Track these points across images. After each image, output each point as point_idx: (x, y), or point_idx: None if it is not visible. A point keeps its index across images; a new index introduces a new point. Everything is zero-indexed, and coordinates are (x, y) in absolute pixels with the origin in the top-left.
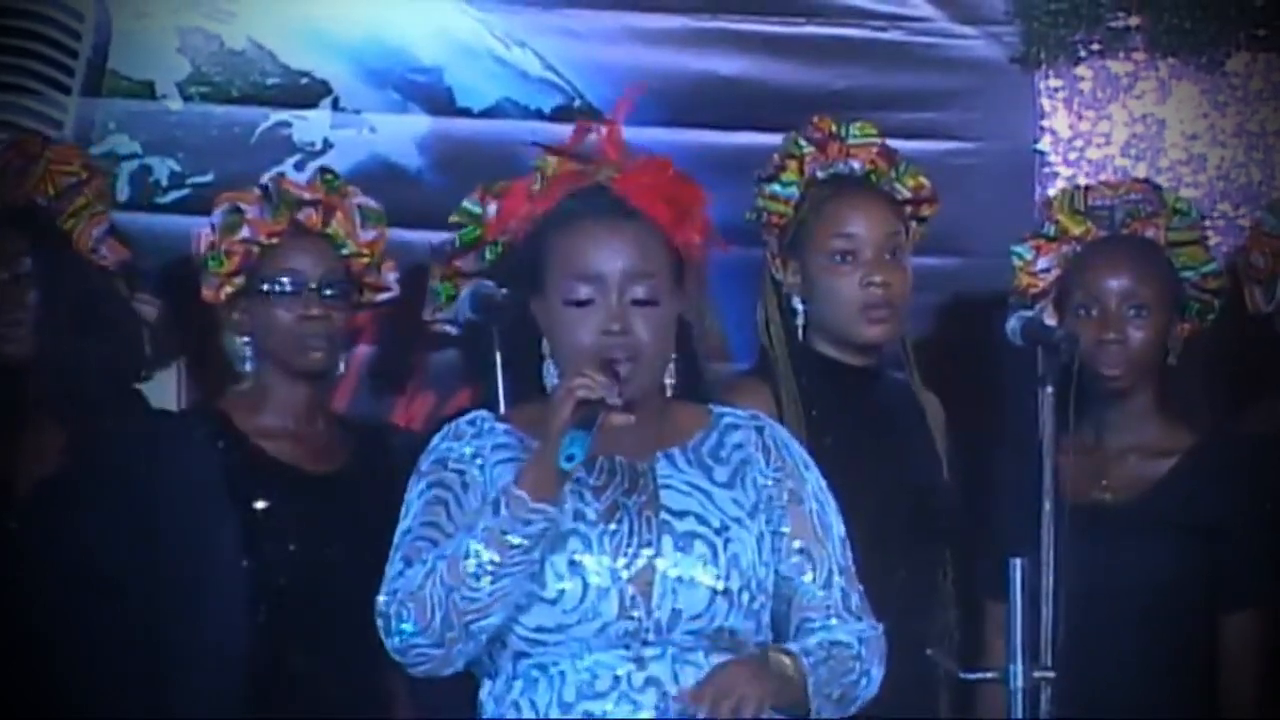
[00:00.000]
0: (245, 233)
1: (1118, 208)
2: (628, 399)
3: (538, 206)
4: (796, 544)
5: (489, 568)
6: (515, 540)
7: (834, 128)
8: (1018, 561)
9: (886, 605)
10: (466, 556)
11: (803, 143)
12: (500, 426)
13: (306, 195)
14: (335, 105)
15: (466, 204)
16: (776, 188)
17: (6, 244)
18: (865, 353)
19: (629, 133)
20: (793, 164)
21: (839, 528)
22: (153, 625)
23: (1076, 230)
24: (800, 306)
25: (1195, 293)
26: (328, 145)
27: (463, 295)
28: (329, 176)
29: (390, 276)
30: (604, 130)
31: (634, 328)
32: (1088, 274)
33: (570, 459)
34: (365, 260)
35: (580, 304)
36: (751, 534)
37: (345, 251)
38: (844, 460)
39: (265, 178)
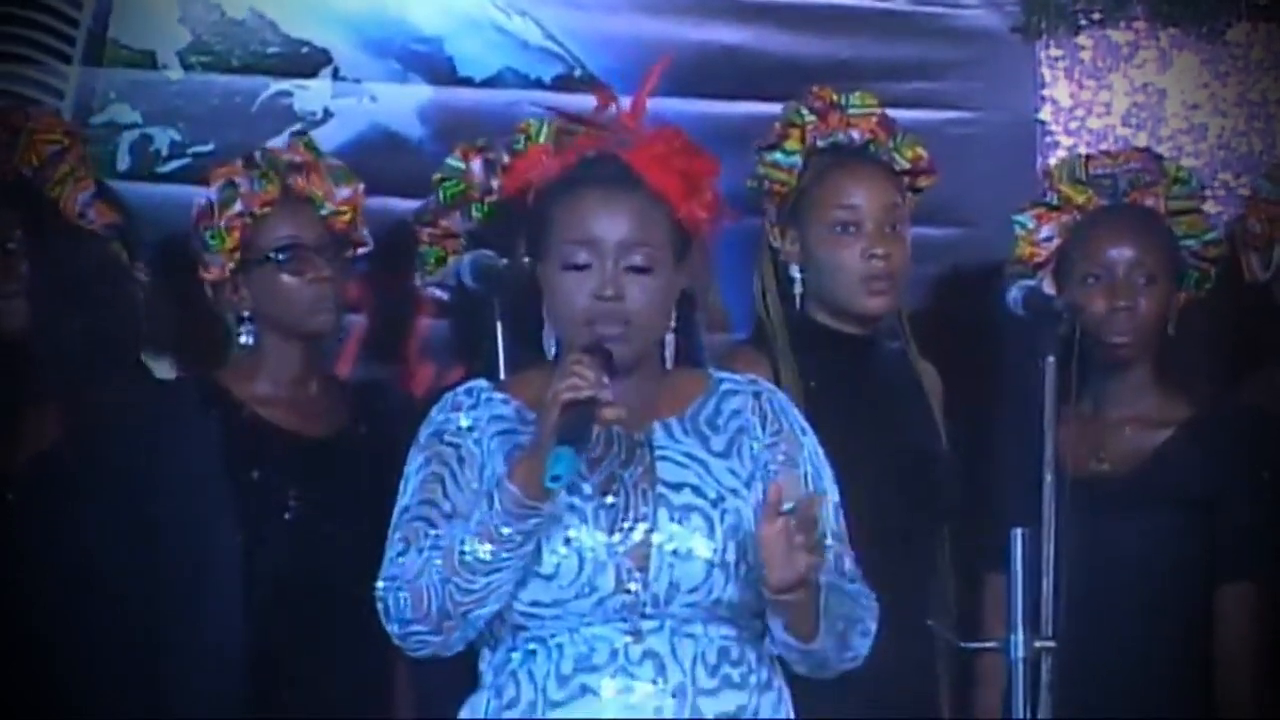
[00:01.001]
0: (239, 206)
1: (1119, 177)
2: (622, 367)
3: (549, 169)
4: (790, 507)
5: (485, 561)
6: (509, 533)
7: (834, 97)
8: (1019, 532)
9: (884, 575)
10: (462, 549)
11: (804, 111)
12: (498, 396)
13: (296, 159)
14: (336, 75)
15: (449, 160)
16: (779, 156)
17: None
18: (862, 323)
19: (629, 102)
20: (795, 133)
21: (834, 494)
22: (151, 594)
23: (1079, 199)
24: (797, 275)
25: (1195, 261)
26: (328, 115)
27: (463, 263)
28: (305, 140)
29: (364, 232)
30: (626, 101)
31: (628, 294)
32: (1091, 243)
33: (556, 479)
34: (345, 218)
35: (577, 268)
36: (748, 504)
37: (324, 212)
38: (841, 430)
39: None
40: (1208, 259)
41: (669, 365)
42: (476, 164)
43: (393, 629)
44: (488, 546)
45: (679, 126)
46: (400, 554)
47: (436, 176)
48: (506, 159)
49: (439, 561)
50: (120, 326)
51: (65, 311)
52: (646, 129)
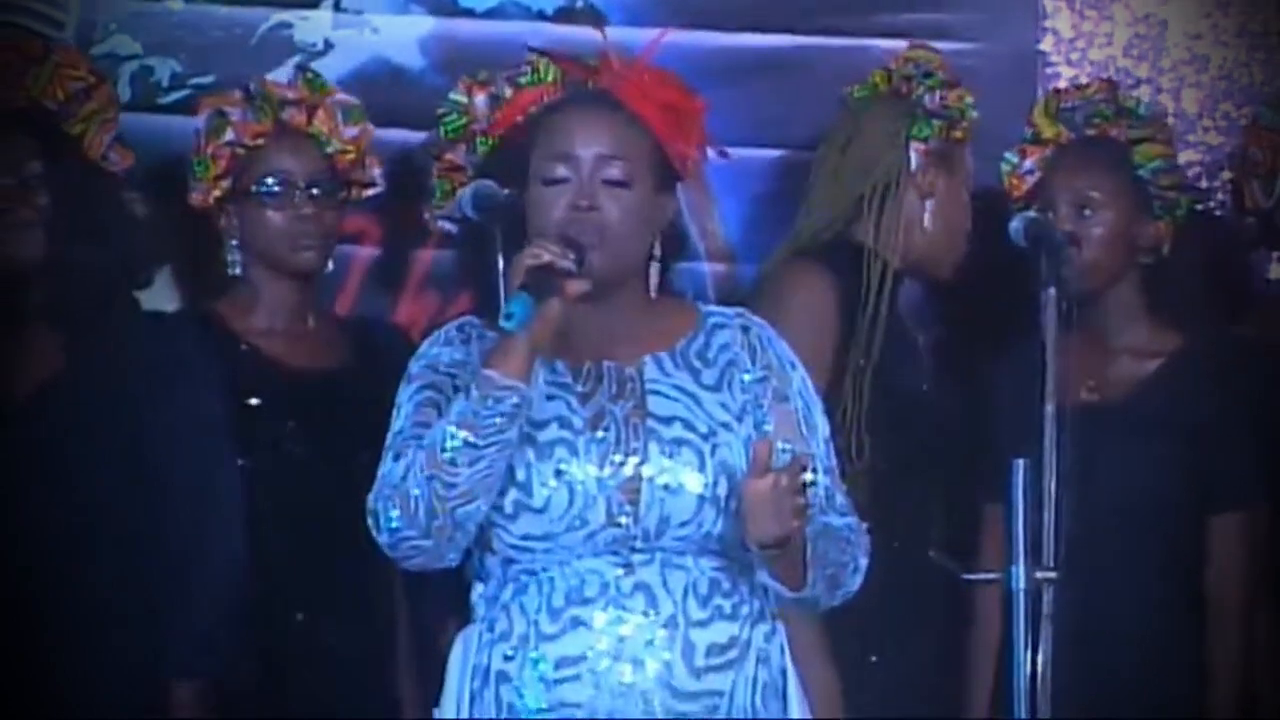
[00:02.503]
0: (230, 136)
1: (1079, 110)
2: (594, 278)
3: (536, 102)
4: (781, 441)
5: (466, 450)
6: (489, 420)
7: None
8: (1020, 462)
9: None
10: (443, 441)
11: None
12: (490, 333)
13: (290, 95)
14: (337, 6)
15: (452, 95)
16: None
17: (14, 147)
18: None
19: (637, 34)
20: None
21: (824, 428)
22: (150, 526)
23: (1049, 133)
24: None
25: (1155, 190)
26: (329, 46)
27: (464, 193)
28: (310, 75)
29: (376, 172)
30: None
31: (603, 205)
32: (1052, 178)
33: (509, 318)
34: (350, 157)
35: (555, 183)
36: (739, 438)
37: (329, 150)
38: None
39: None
40: (1165, 187)
41: (653, 295)
42: (480, 98)
43: (383, 539)
44: (466, 434)
45: (667, 68)
46: (390, 469)
47: (439, 111)
48: (509, 92)
49: (423, 458)
50: (126, 266)
51: (77, 247)
52: (632, 64)
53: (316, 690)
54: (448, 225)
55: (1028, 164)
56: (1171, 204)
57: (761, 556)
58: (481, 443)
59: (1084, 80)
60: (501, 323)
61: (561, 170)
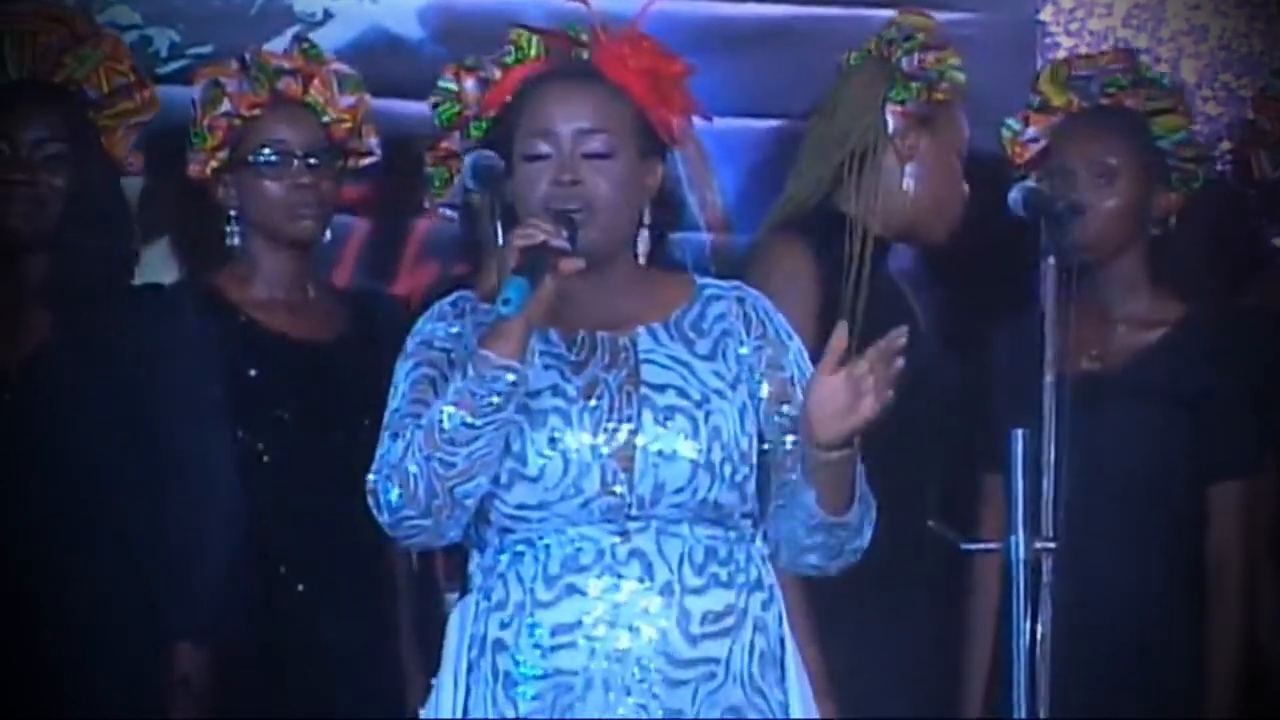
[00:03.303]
0: (226, 106)
1: (1094, 78)
2: (586, 252)
3: (519, 78)
4: (777, 408)
5: (463, 430)
6: (486, 399)
7: None
8: (1019, 432)
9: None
10: (441, 421)
11: None
12: (484, 306)
13: (285, 65)
14: None
15: (441, 83)
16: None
17: (44, 121)
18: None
19: (631, 5)
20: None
21: None
22: (147, 499)
23: (1058, 101)
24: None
25: (1175, 162)
26: (328, 16)
27: (464, 164)
28: (306, 45)
29: (372, 142)
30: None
31: (587, 178)
32: (1063, 146)
33: (507, 302)
34: (346, 126)
35: (537, 158)
36: (733, 405)
37: (325, 119)
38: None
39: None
40: (1186, 159)
41: (643, 262)
42: (469, 83)
43: (384, 518)
44: (464, 414)
45: (647, 33)
46: (389, 448)
47: (432, 100)
48: (497, 74)
49: (421, 438)
50: (125, 256)
51: (81, 232)
52: (615, 32)
53: (316, 662)
54: (448, 212)
55: (1031, 131)
56: (1190, 176)
57: (820, 466)
58: (479, 422)
59: (1083, 49)
60: (499, 308)
61: (543, 146)
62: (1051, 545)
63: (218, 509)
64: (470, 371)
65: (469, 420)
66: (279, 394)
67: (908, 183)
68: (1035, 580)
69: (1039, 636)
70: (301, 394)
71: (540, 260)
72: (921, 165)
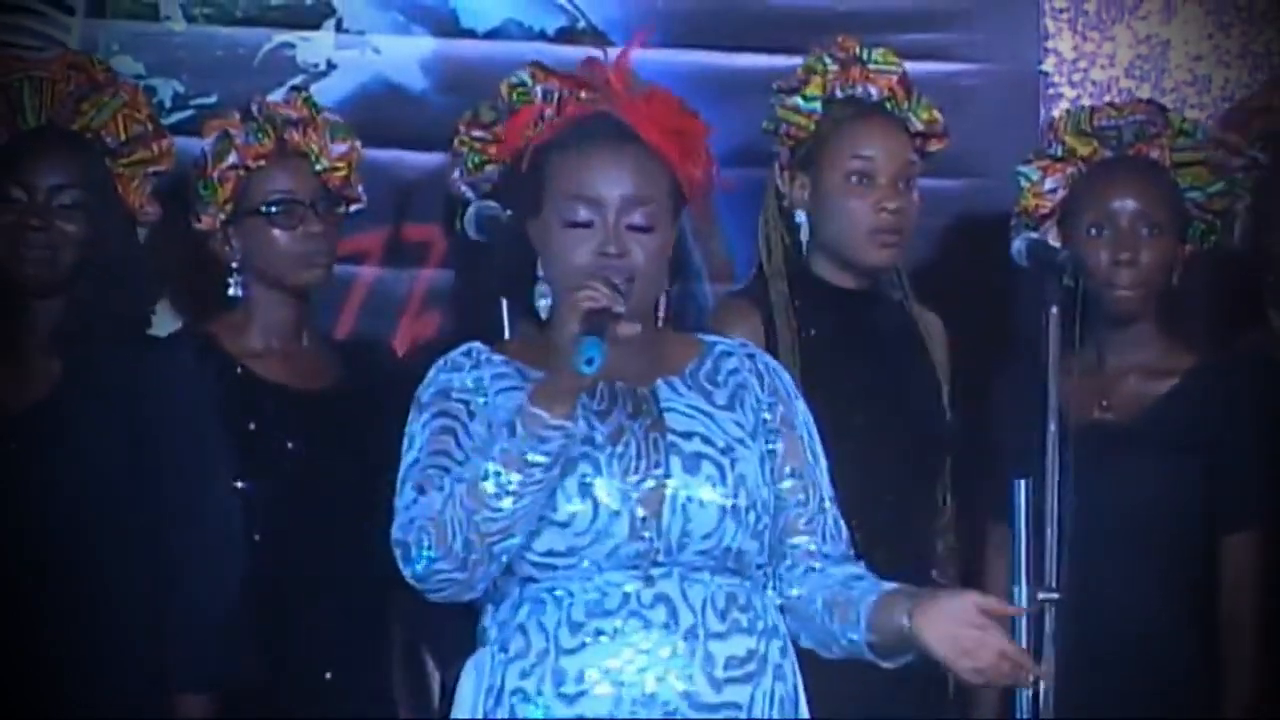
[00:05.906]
0: (233, 158)
1: (1124, 128)
2: (625, 317)
3: (544, 132)
4: (789, 466)
5: (510, 488)
6: (535, 458)
7: (857, 50)
8: (1022, 482)
9: (881, 528)
10: (485, 478)
11: (827, 60)
12: (497, 357)
13: (292, 114)
14: (339, 26)
15: (460, 135)
16: (799, 101)
17: (62, 168)
18: (864, 275)
19: (639, 55)
20: (816, 80)
21: (824, 460)
22: (149, 548)
23: (1083, 151)
24: (804, 221)
25: (1199, 214)
26: (331, 66)
27: (468, 215)
28: (305, 94)
29: (359, 189)
30: (612, 60)
31: (631, 251)
32: (1095, 195)
33: (590, 362)
34: (341, 174)
35: (578, 225)
36: (754, 454)
37: (319, 168)
38: (840, 383)
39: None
40: (1212, 211)
41: (659, 324)
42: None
43: (413, 570)
44: (513, 474)
45: (668, 88)
46: (414, 500)
47: (456, 146)
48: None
49: (462, 492)
50: (137, 303)
51: (90, 282)
52: (637, 89)
53: (319, 708)
54: (469, 192)
55: (1050, 182)
56: (1210, 228)
57: (902, 639)
58: (527, 480)
59: (1086, 100)
60: (581, 368)
61: (584, 213)
62: (1055, 596)
63: (219, 558)
64: (519, 430)
65: (517, 479)
66: (276, 443)
67: (804, 225)
68: (1039, 631)
69: (1043, 689)
70: (298, 442)
71: (599, 323)
72: (813, 199)
